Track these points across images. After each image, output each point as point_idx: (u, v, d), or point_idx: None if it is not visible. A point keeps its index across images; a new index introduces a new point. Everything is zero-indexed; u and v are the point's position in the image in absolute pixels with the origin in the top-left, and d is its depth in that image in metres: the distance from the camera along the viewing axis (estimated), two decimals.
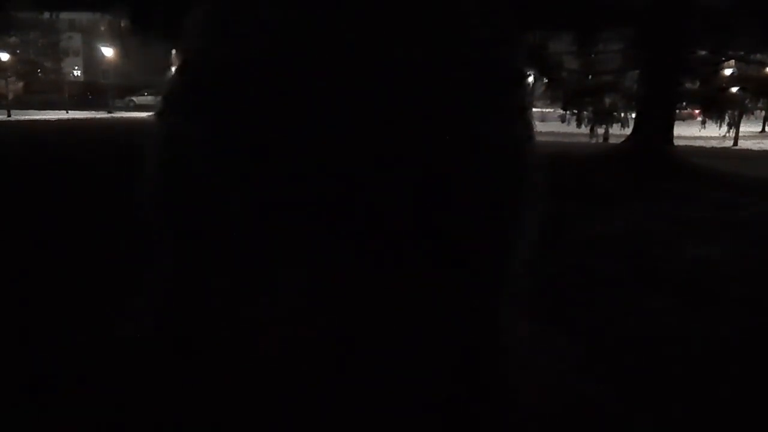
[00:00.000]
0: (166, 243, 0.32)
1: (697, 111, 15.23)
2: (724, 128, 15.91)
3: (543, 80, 13.13)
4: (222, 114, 0.28)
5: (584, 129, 14.34)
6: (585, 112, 14.02)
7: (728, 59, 13.71)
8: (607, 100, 13.96)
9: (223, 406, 0.32)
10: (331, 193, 0.27)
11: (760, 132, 27.32)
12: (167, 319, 0.34)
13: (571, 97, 13.75)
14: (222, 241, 0.29)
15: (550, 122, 17.28)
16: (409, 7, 0.29)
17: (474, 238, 0.30)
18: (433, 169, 0.28)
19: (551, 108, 15.01)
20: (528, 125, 0.32)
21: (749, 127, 24.37)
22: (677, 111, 13.27)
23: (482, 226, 0.30)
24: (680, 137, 14.12)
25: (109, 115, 29.04)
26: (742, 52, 13.18)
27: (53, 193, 6.25)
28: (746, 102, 15.00)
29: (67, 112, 29.68)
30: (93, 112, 31.40)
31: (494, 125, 0.29)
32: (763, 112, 22.67)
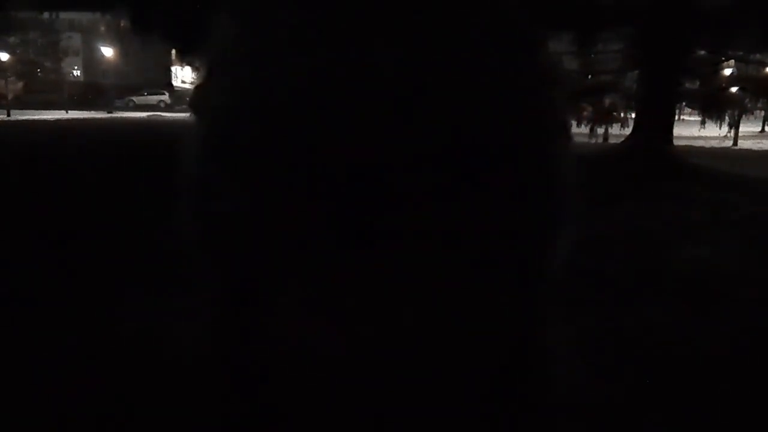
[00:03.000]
0: (205, 248, 0.32)
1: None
2: (724, 128, 15.91)
3: None
4: (253, 120, 0.28)
5: (584, 129, 14.35)
6: (585, 112, 14.02)
7: (728, 59, 13.71)
8: (607, 100, 13.97)
9: (275, 401, 0.32)
10: (369, 196, 0.27)
11: (760, 132, 27.34)
12: (222, 316, 0.34)
13: (571, 97, 13.75)
14: (259, 246, 0.29)
15: None
16: (450, 10, 0.29)
17: (515, 237, 0.30)
18: (472, 168, 0.28)
19: None
20: (563, 125, 0.33)
21: (749, 127, 24.39)
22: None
23: (522, 225, 0.30)
24: (680, 137, 14.12)
25: (108, 115, 29.05)
26: (741, 52, 13.17)
27: (52, 194, 6.25)
28: (746, 102, 14.99)
29: (67, 112, 29.70)
30: (93, 112, 31.41)
31: (532, 124, 0.30)
32: (763, 112, 22.67)
